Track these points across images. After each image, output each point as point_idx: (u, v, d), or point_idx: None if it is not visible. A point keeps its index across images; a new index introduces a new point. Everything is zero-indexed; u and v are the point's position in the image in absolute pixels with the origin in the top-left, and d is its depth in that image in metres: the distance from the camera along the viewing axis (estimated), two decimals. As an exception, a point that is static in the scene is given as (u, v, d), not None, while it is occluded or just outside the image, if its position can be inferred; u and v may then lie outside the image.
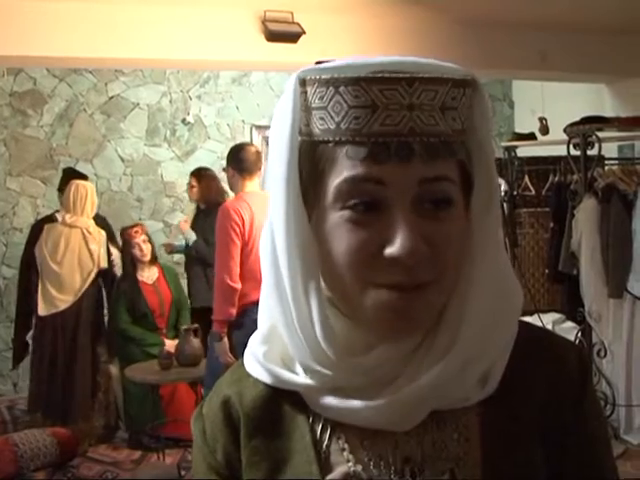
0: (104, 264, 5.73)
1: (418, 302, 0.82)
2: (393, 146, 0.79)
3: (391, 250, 0.80)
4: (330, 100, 0.82)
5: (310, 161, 0.85)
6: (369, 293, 0.83)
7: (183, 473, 4.76)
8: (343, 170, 0.81)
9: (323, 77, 0.82)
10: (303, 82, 0.85)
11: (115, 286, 5.87)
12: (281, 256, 0.87)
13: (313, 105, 0.84)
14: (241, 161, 4.54)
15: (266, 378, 0.92)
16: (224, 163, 4.76)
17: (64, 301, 5.56)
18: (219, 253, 4.39)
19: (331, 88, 0.81)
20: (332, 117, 0.82)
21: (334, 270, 0.84)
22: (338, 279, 0.84)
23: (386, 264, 0.81)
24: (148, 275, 5.85)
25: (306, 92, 0.85)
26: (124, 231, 5.96)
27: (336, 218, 0.83)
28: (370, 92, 0.80)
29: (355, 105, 0.80)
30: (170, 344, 5.48)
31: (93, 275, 5.68)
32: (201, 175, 6.34)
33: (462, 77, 0.84)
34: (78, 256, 5.60)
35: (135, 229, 5.90)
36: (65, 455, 4.97)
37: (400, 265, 0.80)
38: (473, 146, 0.87)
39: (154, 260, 5.93)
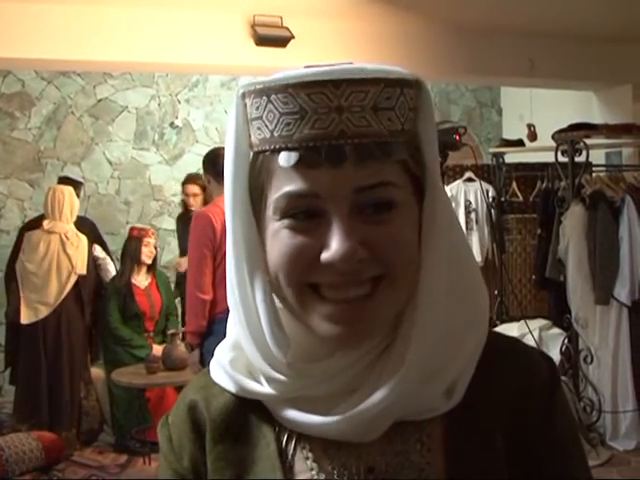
0: (82, 270, 5.66)
1: (365, 310, 0.82)
2: (324, 150, 0.79)
3: (326, 255, 0.80)
4: (264, 109, 0.82)
5: (254, 172, 0.86)
6: (308, 301, 0.83)
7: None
8: (281, 184, 0.82)
9: (257, 87, 0.83)
10: (243, 95, 0.86)
11: (108, 285, 5.87)
12: (232, 265, 0.88)
13: (252, 116, 0.84)
14: (216, 166, 4.45)
15: (231, 387, 0.92)
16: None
17: (44, 308, 5.52)
18: (190, 265, 4.35)
19: (264, 97, 0.82)
20: (267, 126, 0.82)
21: (275, 277, 0.85)
22: (278, 286, 0.85)
23: (323, 268, 0.81)
24: (141, 279, 5.88)
25: (246, 104, 0.85)
26: (136, 229, 5.99)
27: (277, 226, 0.83)
28: (298, 97, 0.79)
29: (285, 112, 0.80)
30: (158, 349, 5.48)
31: (72, 281, 5.62)
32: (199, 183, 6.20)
33: (398, 77, 0.82)
34: (57, 262, 5.56)
35: (152, 230, 5.98)
36: (51, 459, 4.94)
37: (336, 269, 0.80)
38: (421, 148, 0.87)
39: (151, 268, 5.95)
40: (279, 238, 0.83)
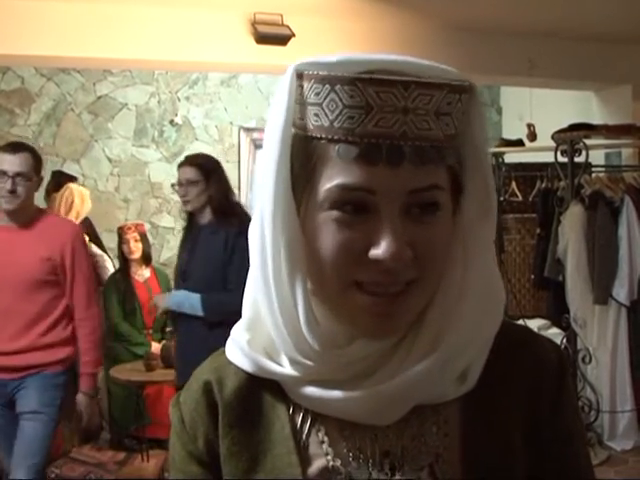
0: None
1: (399, 306, 0.84)
2: (384, 148, 0.80)
3: (376, 252, 0.81)
4: (325, 97, 0.82)
5: (303, 155, 0.85)
6: (350, 294, 0.84)
7: (166, 475, 4.75)
8: (335, 174, 0.82)
9: (320, 74, 0.82)
10: (300, 76, 0.85)
11: (108, 282, 5.90)
12: (268, 248, 0.87)
13: (309, 100, 0.84)
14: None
15: (248, 367, 0.93)
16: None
17: None
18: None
19: (327, 86, 0.81)
20: (327, 114, 0.82)
21: (318, 266, 0.85)
22: (321, 276, 0.85)
23: (369, 264, 0.82)
24: (140, 273, 5.95)
25: (302, 86, 0.84)
26: (120, 227, 6.06)
27: (324, 216, 0.84)
28: (365, 93, 0.80)
29: (350, 105, 0.80)
30: (156, 346, 5.49)
31: None
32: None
33: (459, 83, 0.84)
34: None
35: (128, 226, 6.02)
36: (48, 456, 4.93)
37: (383, 266, 0.81)
38: (467, 152, 0.88)
39: (148, 261, 5.97)
40: (327, 231, 0.83)
